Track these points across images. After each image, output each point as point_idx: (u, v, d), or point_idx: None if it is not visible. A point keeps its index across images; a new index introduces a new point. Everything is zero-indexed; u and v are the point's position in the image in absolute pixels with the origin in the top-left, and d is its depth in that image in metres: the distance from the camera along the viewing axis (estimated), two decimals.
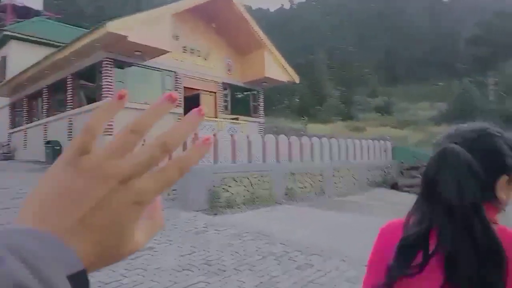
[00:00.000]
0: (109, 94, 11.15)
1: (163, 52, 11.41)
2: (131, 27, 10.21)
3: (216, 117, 13.97)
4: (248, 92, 16.35)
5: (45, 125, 14.19)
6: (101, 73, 11.34)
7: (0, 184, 8.67)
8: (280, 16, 74.76)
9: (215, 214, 7.21)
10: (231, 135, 8.64)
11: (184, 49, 13.39)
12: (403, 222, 0.89)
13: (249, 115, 15.88)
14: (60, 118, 13.27)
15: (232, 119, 14.07)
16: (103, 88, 11.19)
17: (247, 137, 8.91)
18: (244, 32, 14.24)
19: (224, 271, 4.44)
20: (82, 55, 11.62)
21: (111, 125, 11.00)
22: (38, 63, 13.09)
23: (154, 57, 11.80)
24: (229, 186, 7.98)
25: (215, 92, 14.59)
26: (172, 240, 5.46)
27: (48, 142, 13.01)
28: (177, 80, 13.14)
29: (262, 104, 16.64)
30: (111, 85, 11.26)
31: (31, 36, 17.26)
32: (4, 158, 16.32)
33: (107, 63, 11.20)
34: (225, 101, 15.11)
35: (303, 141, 10.51)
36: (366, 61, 52.44)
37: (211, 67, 14.34)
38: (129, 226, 0.30)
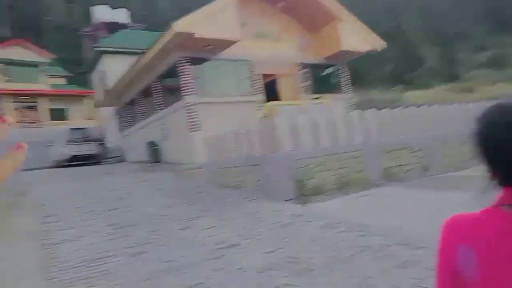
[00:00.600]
0: (188, 92, 11.40)
1: (233, 42, 11.24)
2: (197, 23, 10.22)
3: (297, 100, 13.39)
4: (330, 69, 15.37)
5: (143, 127, 15.32)
6: (179, 72, 11.64)
7: (109, 186, 9.47)
8: None
9: (304, 204, 6.74)
10: (311, 117, 7.99)
11: (254, 35, 13.05)
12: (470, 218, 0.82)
13: (334, 93, 14.93)
14: (153, 120, 14.15)
15: (315, 99, 13.32)
16: (182, 87, 11.48)
17: (329, 117, 8.17)
18: (313, 5, 13.30)
19: (312, 270, 3.95)
20: (160, 58, 12.10)
21: (196, 121, 11.31)
22: (127, 72, 14.08)
23: (225, 49, 11.70)
24: (316, 172, 7.41)
25: (293, 74, 13.99)
26: (258, 235, 5.16)
27: (149, 143, 14.02)
28: (251, 68, 12.88)
29: (347, 78, 15.50)
30: (189, 83, 11.49)
31: (119, 48, 18.80)
32: (117, 161, 18.29)
33: (183, 62, 11.44)
34: (306, 81, 14.39)
35: (396, 113, 9.33)
36: (465, 12, 45.77)
37: (285, 49, 13.76)
38: None
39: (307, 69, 14.50)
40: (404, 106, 10.40)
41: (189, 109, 11.35)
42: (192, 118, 11.31)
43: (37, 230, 5.61)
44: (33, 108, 24.15)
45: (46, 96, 24.36)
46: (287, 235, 5.06)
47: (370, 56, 22.58)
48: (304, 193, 7.07)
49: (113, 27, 28.54)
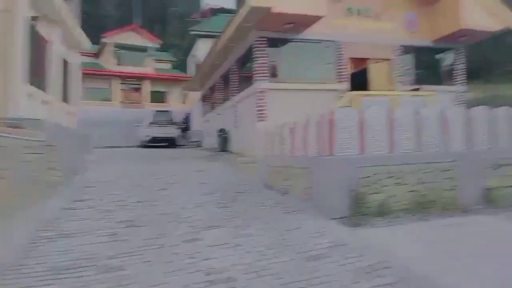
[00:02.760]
0: (260, 77, 10.30)
1: (317, 18, 9.67)
2: None
3: (390, 90, 11.17)
4: (441, 54, 12.59)
5: (220, 114, 14.87)
6: (253, 55, 10.60)
7: (162, 172, 9.04)
8: None
9: (356, 226, 5.11)
10: (388, 113, 6.13)
11: (349, 12, 11.20)
12: None
13: (442, 84, 12.18)
14: (228, 106, 13.52)
15: (413, 90, 10.93)
16: (255, 71, 10.42)
17: (414, 113, 6.17)
18: None
19: None
20: (237, 40, 11.23)
21: (265, 110, 10.21)
22: (207, 55, 13.65)
23: (308, 27, 10.20)
24: (384, 186, 5.64)
25: (390, 60, 11.73)
26: (268, 268, 3.78)
27: (219, 130, 13.50)
28: (339, 51, 11.10)
29: (462, 67, 12.49)
30: (263, 67, 10.37)
31: (211, 32, 18.63)
32: (197, 146, 18.42)
33: (258, 43, 10.36)
34: (405, 68, 11.98)
35: None
36: None
37: (385, 29, 11.56)
38: None
39: (410, 54, 12.08)
40: None
41: (259, 96, 10.28)
42: (261, 106, 10.24)
43: (51, 217, 5.24)
44: (137, 90, 26.24)
45: (149, 79, 26.15)
46: (307, 276, 3.60)
47: (500, 39, 18.22)
48: (363, 211, 5.41)
49: (218, 13, 28.96)
